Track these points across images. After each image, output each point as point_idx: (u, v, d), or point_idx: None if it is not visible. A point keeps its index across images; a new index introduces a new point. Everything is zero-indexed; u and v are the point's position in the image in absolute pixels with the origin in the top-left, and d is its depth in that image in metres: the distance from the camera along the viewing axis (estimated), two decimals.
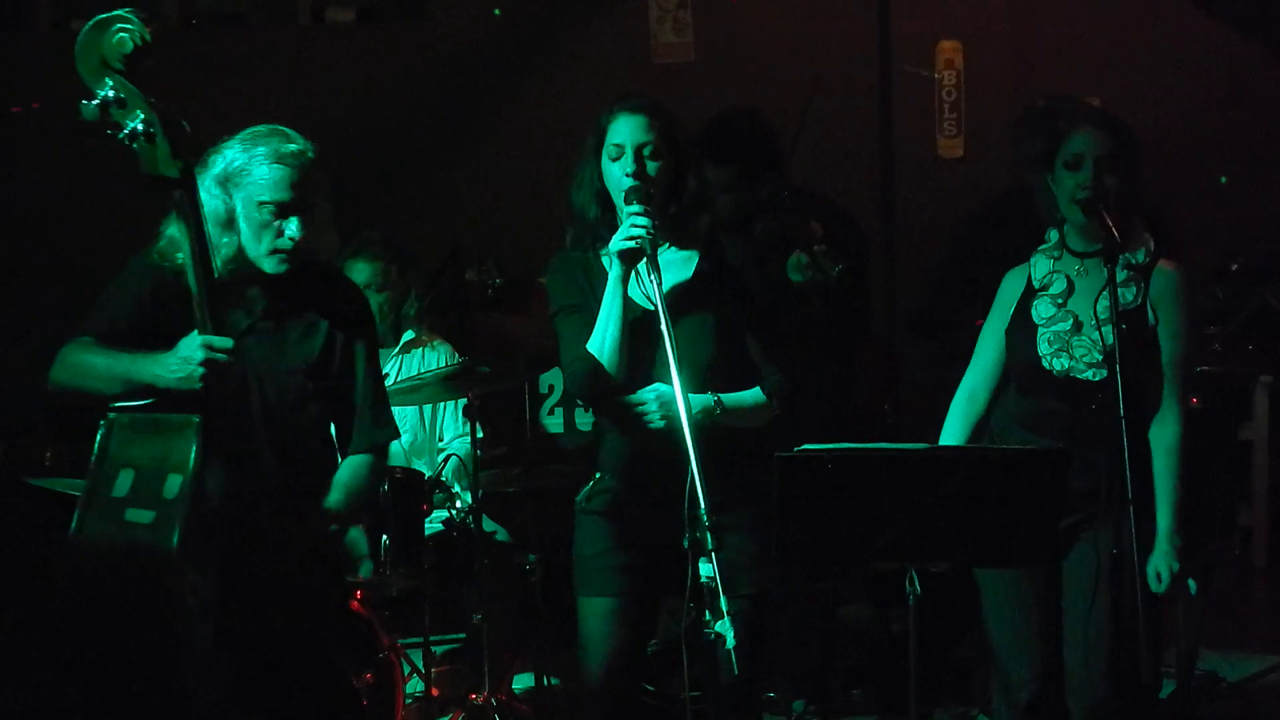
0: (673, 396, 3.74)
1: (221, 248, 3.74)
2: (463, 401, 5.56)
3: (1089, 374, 4.14)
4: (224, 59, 6.90)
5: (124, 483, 3.43)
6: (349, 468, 3.99)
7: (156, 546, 3.37)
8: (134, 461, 3.45)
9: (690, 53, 7.40)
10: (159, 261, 3.73)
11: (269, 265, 3.78)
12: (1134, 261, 4.19)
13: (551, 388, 6.82)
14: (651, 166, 4.00)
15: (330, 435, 4.00)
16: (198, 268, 3.53)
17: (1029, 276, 4.29)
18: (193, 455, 3.43)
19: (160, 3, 7.12)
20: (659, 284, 3.80)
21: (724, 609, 3.52)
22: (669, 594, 4.09)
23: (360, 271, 5.76)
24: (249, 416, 3.72)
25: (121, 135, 3.47)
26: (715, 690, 4.13)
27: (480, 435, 5.40)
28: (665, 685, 5.64)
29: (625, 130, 4.01)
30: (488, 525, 5.50)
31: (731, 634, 3.51)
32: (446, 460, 5.57)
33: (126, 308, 3.76)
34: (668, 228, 4.04)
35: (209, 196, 3.70)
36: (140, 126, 3.46)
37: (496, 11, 7.19)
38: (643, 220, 3.88)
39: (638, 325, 3.98)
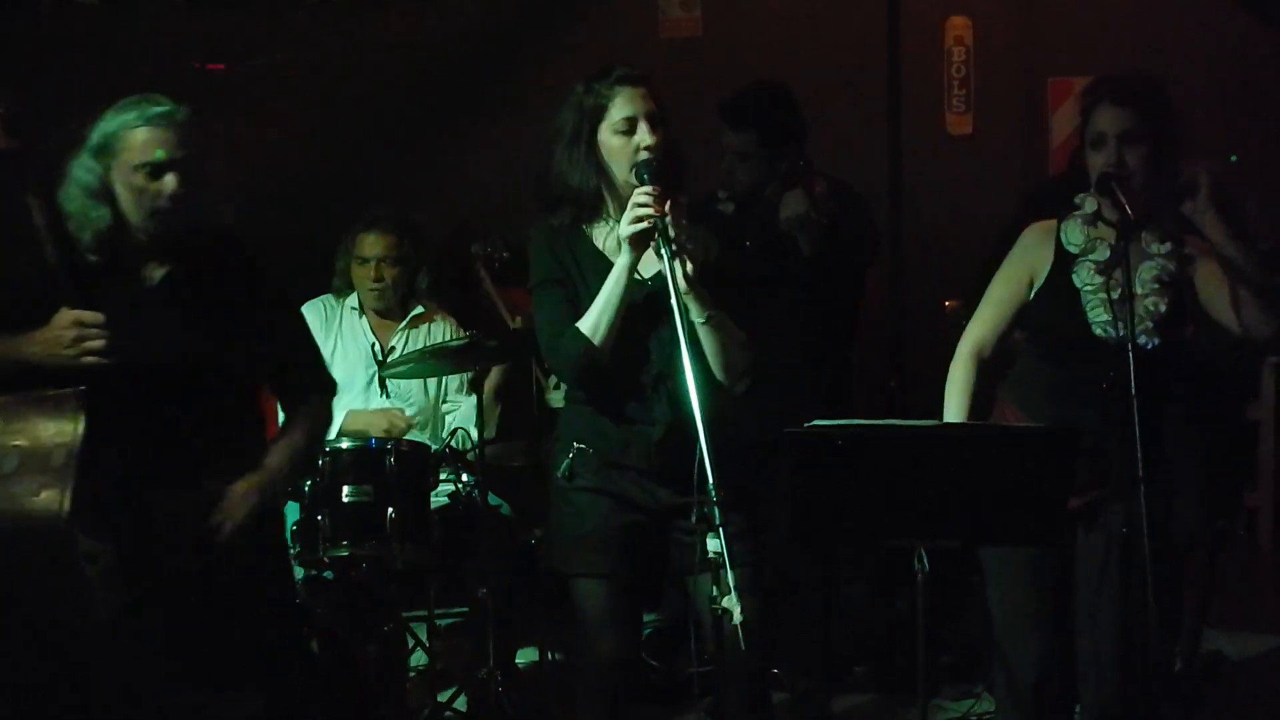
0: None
1: (95, 220, 3.72)
2: (468, 375, 5.56)
3: (1143, 340, 4.04)
4: (229, 39, 6.88)
5: (11, 461, 3.45)
6: (284, 428, 4.05)
7: (47, 515, 3.39)
8: (20, 439, 3.47)
9: (698, 27, 7.41)
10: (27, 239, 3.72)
11: (152, 228, 3.75)
12: (1166, 234, 4.14)
13: None
14: (659, 137, 3.93)
15: (252, 404, 4.01)
16: (53, 234, 3.58)
17: (1059, 241, 4.21)
18: (76, 426, 3.45)
19: None
20: (672, 261, 3.75)
21: (731, 584, 3.51)
22: (660, 562, 4.11)
23: (373, 245, 5.76)
24: (141, 387, 3.68)
25: None
26: (721, 665, 4.14)
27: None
28: (671, 660, 5.66)
29: (633, 102, 3.95)
30: (491, 500, 5.46)
31: (738, 610, 3.50)
32: (453, 434, 5.56)
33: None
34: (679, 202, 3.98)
35: (84, 171, 3.70)
36: None
37: None
38: (648, 201, 3.82)
39: (640, 306, 3.94)
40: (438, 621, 5.52)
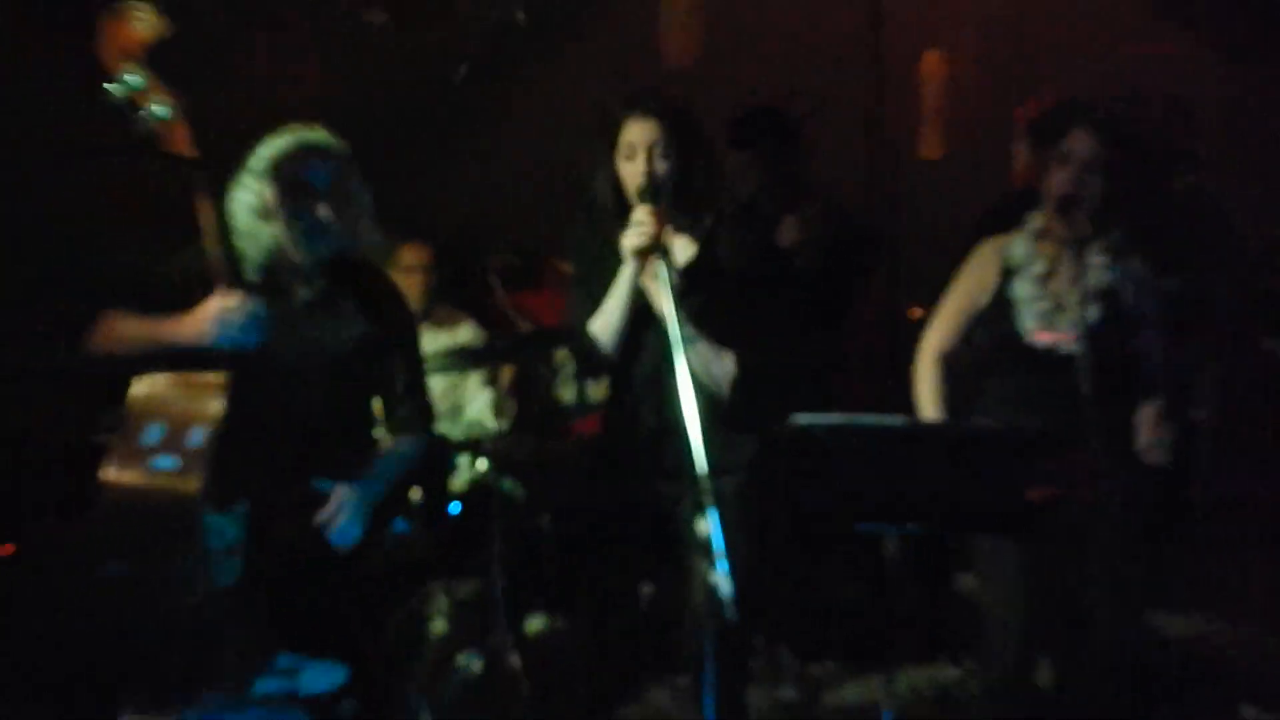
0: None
1: (262, 238, 3.80)
2: (485, 372, 5.67)
3: (1076, 348, 4.10)
4: (262, 58, 6.96)
5: (153, 433, 3.53)
6: (384, 454, 4.07)
7: (179, 489, 3.47)
8: (163, 414, 3.55)
9: (697, 56, 7.47)
10: (191, 249, 3.77)
11: (304, 249, 3.84)
12: (1111, 248, 4.21)
13: (565, 360, 6.84)
14: (661, 165, 4.06)
15: (367, 417, 4.07)
16: (219, 238, 3.62)
17: (1003, 256, 4.29)
18: (216, 409, 3.53)
19: (203, 3, 7.18)
20: (669, 281, 3.84)
21: (719, 563, 3.63)
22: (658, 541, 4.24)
23: (415, 254, 5.88)
24: (277, 385, 3.77)
25: (141, 116, 3.56)
26: (711, 635, 4.24)
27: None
28: (664, 630, 5.75)
29: (636, 132, 4.08)
30: (505, 485, 5.58)
31: (727, 583, 3.62)
32: (471, 425, 5.66)
33: (158, 283, 3.84)
34: (677, 220, 4.13)
35: (245, 191, 3.77)
36: (159, 109, 3.54)
37: (519, 14, 7.25)
38: (647, 220, 3.95)
39: (645, 311, 4.08)
40: (455, 593, 5.63)
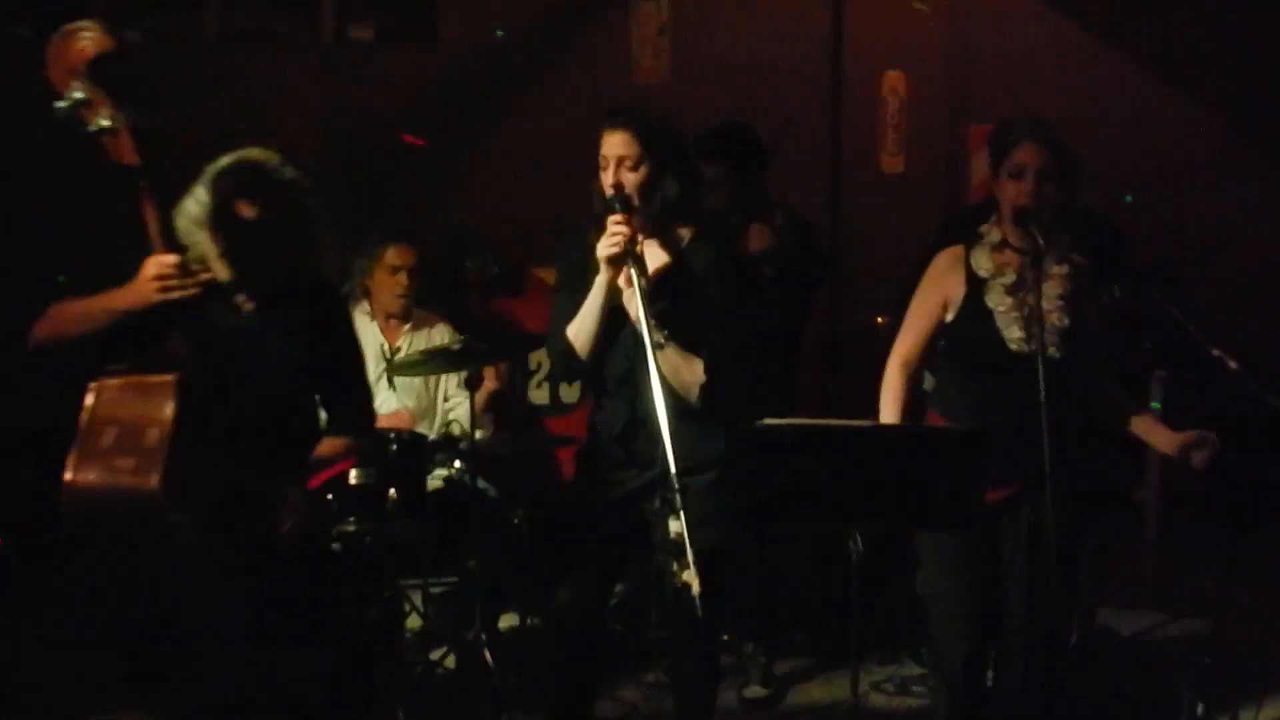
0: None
1: (200, 247, 3.72)
2: (463, 374, 5.62)
3: (1053, 353, 4.09)
4: (256, 72, 6.92)
5: (109, 436, 3.48)
6: (329, 443, 4.04)
7: (138, 487, 3.42)
8: (118, 418, 3.50)
9: (666, 75, 7.45)
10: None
11: (230, 264, 3.75)
12: (1062, 256, 4.21)
13: (539, 364, 6.84)
14: (630, 178, 4.04)
15: (313, 418, 4.04)
16: (163, 238, 3.55)
17: (969, 267, 4.26)
18: (170, 409, 3.48)
19: (201, 19, 7.14)
20: (640, 287, 3.84)
21: (690, 560, 3.59)
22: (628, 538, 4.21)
23: (401, 255, 5.88)
24: (226, 395, 3.70)
25: (90, 130, 3.49)
26: (679, 631, 4.21)
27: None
28: (634, 626, 5.72)
29: (607, 144, 4.08)
30: (480, 484, 5.55)
31: (696, 583, 3.57)
32: (448, 425, 5.62)
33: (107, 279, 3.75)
34: (648, 228, 4.10)
35: (194, 203, 3.70)
36: (106, 124, 3.48)
37: (499, 33, 7.22)
38: (619, 229, 3.94)
39: (619, 317, 4.05)
40: (430, 589, 5.58)
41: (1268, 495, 6.42)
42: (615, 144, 4.07)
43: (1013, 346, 4.16)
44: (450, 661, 5.43)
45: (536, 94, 7.26)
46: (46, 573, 3.81)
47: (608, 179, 4.05)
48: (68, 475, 3.47)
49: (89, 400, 3.54)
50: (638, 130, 4.08)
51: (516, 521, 5.62)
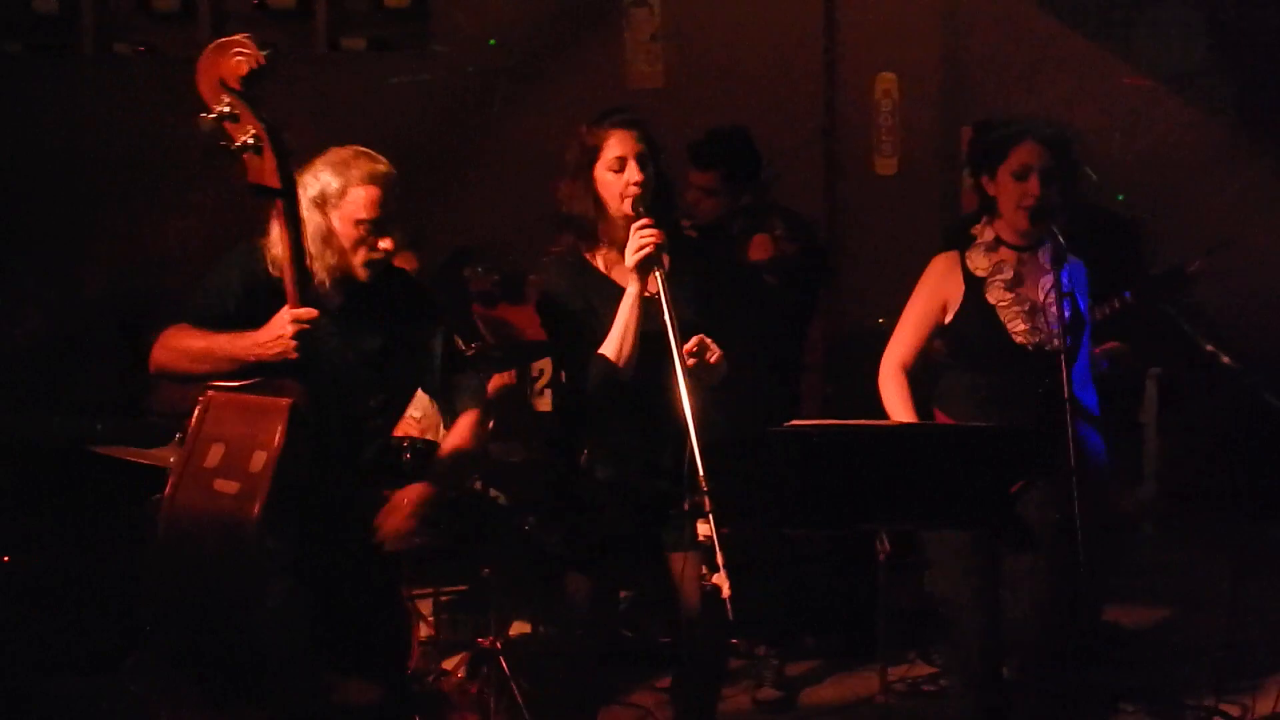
0: None
1: (324, 259, 3.71)
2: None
3: (1053, 345, 4.11)
4: None
5: (215, 455, 3.42)
6: (450, 435, 4.04)
7: (239, 515, 3.36)
8: (225, 437, 3.44)
9: (660, 80, 7.45)
10: (251, 256, 3.69)
11: (363, 274, 3.76)
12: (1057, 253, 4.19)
13: (541, 371, 6.81)
14: (648, 175, 3.98)
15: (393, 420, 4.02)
16: (295, 261, 3.51)
17: (964, 269, 4.27)
18: (279, 435, 3.41)
19: (195, 31, 7.12)
20: (665, 289, 3.78)
21: (720, 563, 3.56)
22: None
23: (403, 261, 5.83)
24: (328, 403, 3.66)
25: (234, 147, 3.45)
26: (691, 633, 4.17)
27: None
28: (644, 629, 5.72)
29: (621, 143, 3.99)
30: (491, 490, 5.53)
31: (727, 585, 3.56)
32: None
33: (219, 296, 3.71)
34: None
35: (306, 215, 3.66)
36: (251, 141, 3.44)
37: (492, 42, 7.22)
38: (648, 234, 3.86)
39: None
40: (441, 598, 5.56)
41: (1273, 490, 6.48)
42: (629, 142, 3.99)
43: (1018, 340, 4.18)
44: (463, 670, 5.40)
45: (530, 101, 7.27)
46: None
47: (626, 178, 3.96)
48: (168, 490, 3.43)
49: (197, 412, 3.49)
50: (642, 129, 4.03)
51: (526, 529, 5.60)
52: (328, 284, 3.73)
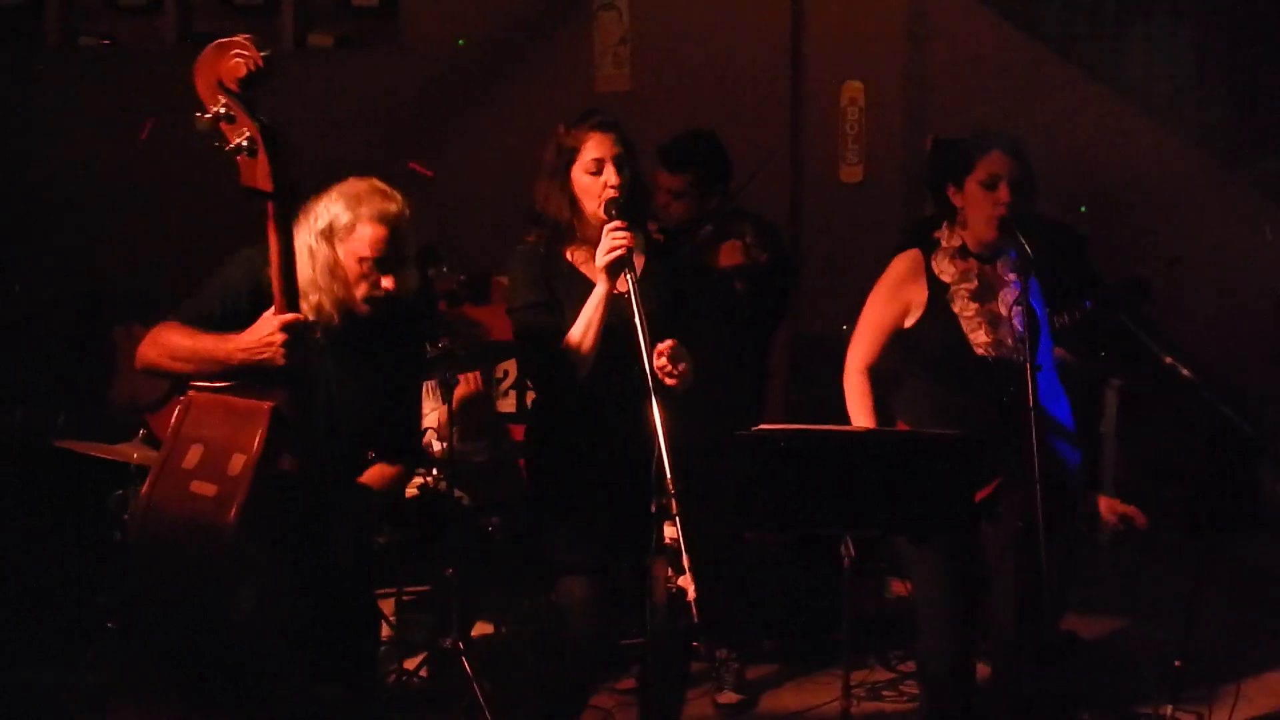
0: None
1: (331, 291, 3.68)
2: (436, 385, 5.59)
3: (1016, 357, 4.14)
4: None
5: (193, 456, 3.39)
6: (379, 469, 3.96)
7: (215, 519, 3.32)
8: (205, 438, 3.40)
9: (627, 83, 7.47)
10: (256, 261, 3.62)
11: (363, 309, 3.72)
12: (1016, 265, 4.23)
13: (505, 372, 6.82)
14: (625, 178, 4.02)
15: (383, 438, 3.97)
16: (284, 266, 3.47)
17: (929, 273, 4.28)
18: (259, 439, 3.37)
19: (158, 24, 7.09)
20: (635, 292, 3.79)
21: (686, 565, 3.56)
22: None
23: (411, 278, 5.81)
24: (315, 413, 3.63)
25: (228, 149, 3.41)
26: (657, 636, 4.17)
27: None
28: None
29: (600, 145, 4.03)
30: (454, 491, 5.50)
31: (693, 588, 3.56)
32: (423, 433, 5.57)
33: (219, 298, 3.66)
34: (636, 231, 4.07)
35: (312, 247, 3.63)
36: (245, 143, 3.39)
37: (461, 42, 7.22)
38: (620, 236, 3.89)
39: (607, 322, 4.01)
40: (404, 598, 5.54)
41: (1229, 502, 6.53)
42: (607, 144, 4.03)
43: (979, 351, 4.19)
44: (425, 670, 5.38)
45: (498, 102, 7.28)
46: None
47: (604, 179, 4.00)
48: (145, 489, 3.39)
49: (178, 412, 3.45)
50: (620, 132, 4.08)
51: (490, 529, 5.59)
52: (335, 318, 3.70)
